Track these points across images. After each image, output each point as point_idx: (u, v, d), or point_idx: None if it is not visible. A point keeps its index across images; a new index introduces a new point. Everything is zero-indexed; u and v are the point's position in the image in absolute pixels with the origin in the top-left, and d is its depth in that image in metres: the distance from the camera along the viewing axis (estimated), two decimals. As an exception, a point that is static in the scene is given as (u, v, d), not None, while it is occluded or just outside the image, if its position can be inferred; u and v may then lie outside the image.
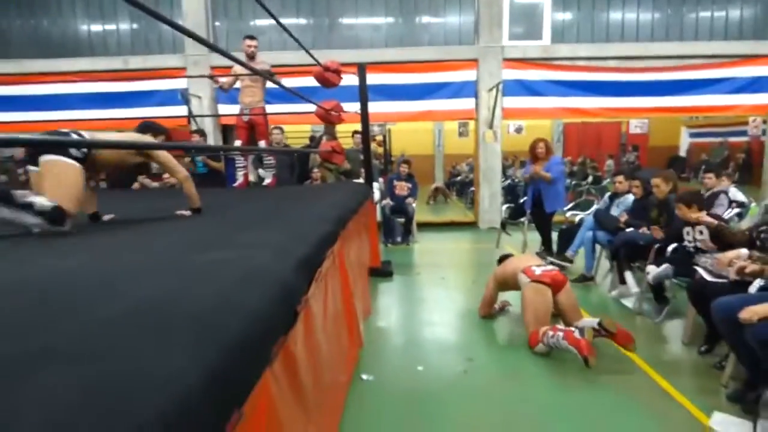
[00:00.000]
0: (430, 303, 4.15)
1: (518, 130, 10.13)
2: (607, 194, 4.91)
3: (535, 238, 5.56)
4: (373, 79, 7.76)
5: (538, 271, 3.25)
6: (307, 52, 4.35)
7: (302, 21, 8.08)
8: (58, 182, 2.08)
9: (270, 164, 5.47)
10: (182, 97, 7.61)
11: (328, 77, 4.80)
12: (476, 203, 8.23)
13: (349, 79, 6.37)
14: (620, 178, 4.66)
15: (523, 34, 7.68)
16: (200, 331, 0.92)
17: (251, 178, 5.94)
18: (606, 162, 13.91)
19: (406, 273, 5.16)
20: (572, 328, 2.90)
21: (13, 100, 7.95)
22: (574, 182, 10.61)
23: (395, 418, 2.32)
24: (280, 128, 6.50)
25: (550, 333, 2.89)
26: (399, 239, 6.74)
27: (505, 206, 6.86)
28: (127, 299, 1.05)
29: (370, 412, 2.37)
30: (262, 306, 1.17)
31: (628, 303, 3.94)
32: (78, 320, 0.93)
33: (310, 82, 5.35)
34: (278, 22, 3.35)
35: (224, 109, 7.98)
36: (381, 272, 4.91)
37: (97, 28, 8.26)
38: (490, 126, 7.64)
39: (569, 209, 6.36)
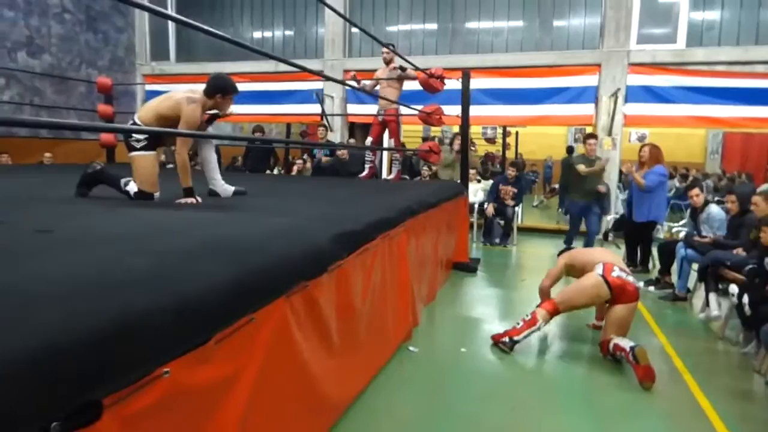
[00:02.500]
0: (496, 300, 4.41)
1: (641, 138, 9.44)
2: (688, 210, 4.63)
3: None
4: (491, 83, 8.03)
5: (615, 273, 3.07)
6: (409, 62, 4.82)
7: (428, 27, 8.58)
8: (136, 173, 2.85)
9: (396, 161, 5.98)
10: (317, 97, 8.66)
11: (432, 83, 5.24)
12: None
13: (471, 83, 6.72)
14: (696, 191, 4.45)
15: (654, 37, 7.25)
16: (235, 256, 1.49)
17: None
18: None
19: (491, 272, 5.41)
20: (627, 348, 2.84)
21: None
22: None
23: (422, 384, 2.74)
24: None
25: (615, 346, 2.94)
26: (497, 240, 6.92)
27: (609, 216, 6.63)
28: (204, 235, 1.67)
29: (404, 375, 2.81)
30: (288, 254, 1.72)
31: (715, 327, 3.77)
32: (172, 241, 1.56)
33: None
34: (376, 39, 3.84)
35: (353, 108, 8.88)
36: (465, 267, 5.24)
37: (257, 35, 9.70)
38: (609, 133, 7.38)
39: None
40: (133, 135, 2.78)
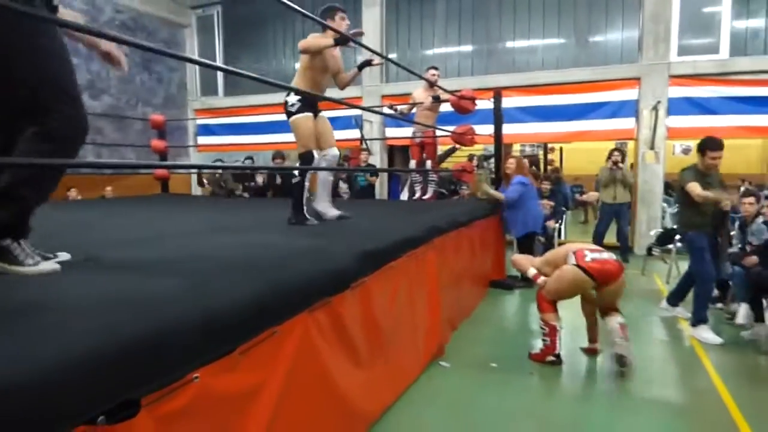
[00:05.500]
0: (531, 317, 4.35)
1: (686, 151, 9.10)
2: (737, 223, 4.38)
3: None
4: (528, 101, 8.06)
5: (588, 257, 3.06)
6: (439, 86, 4.96)
7: (464, 48, 8.72)
8: (296, 134, 3.20)
9: (431, 181, 6.06)
10: (355, 122, 8.95)
11: (463, 104, 5.34)
12: (633, 227, 7.76)
13: (507, 102, 6.78)
14: (750, 199, 4.16)
15: (695, 48, 7.07)
16: (258, 274, 1.65)
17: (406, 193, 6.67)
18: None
19: (529, 289, 5.36)
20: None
21: (240, 127, 10.27)
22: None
23: (450, 398, 2.78)
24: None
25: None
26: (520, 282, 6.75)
27: (653, 231, 6.42)
28: (233, 255, 1.85)
29: (433, 389, 2.87)
30: (309, 272, 1.86)
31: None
32: (202, 264, 1.74)
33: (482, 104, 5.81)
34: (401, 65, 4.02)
35: (390, 132, 9.10)
36: (502, 285, 5.23)
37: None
38: (651, 146, 7.21)
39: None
40: (288, 101, 3.18)
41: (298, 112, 3.18)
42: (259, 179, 7.62)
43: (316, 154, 3.23)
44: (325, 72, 3.36)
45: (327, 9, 3.28)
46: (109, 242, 2.40)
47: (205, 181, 7.92)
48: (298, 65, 3.33)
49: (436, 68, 5.66)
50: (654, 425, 2.51)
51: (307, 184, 3.27)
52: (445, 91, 5.30)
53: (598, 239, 6.63)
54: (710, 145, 3.74)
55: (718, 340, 3.61)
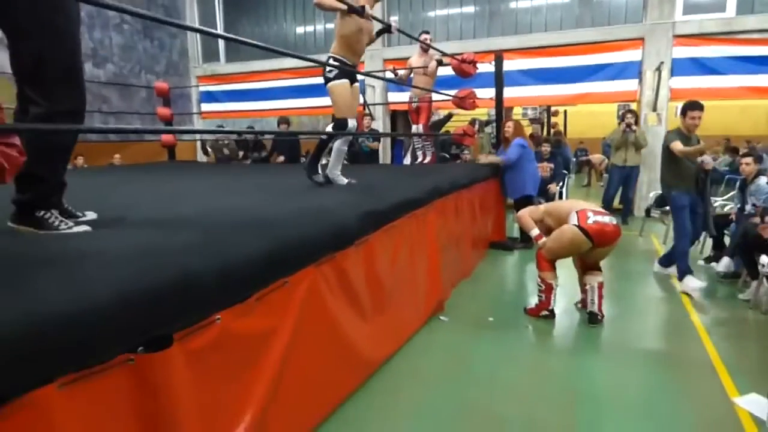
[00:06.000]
0: (529, 275, 4.53)
1: (689, 111, 9.02)
2: (737, 183, 4.47)
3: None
4: (530, 63, 8.02)
5: (591, 219, 3.13)
6: (436, 48, 4.98)
7: (466, 10, 8.62)
8: (333, 100, 3.17)
9: (427, 144, 6.18)
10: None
11: (464, 68, 5.38)
12: (634, 189, 7.85)
13: (509, 65, 6.78)
14: (748, 159, 4.27)
15: (701, 6, 6.97)
16: (268, 231, 1.81)
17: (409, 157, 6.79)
18: None
19: (529, 249, 5.53)
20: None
21: (243, 93, 10.27)
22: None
23: (448, 347, 3.00)
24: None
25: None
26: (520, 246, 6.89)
27: (653, 193, 6.52)
28: (246, 214, 2.00)
29: (433, 340, 3.08)
30: (315, 229, 2.02)
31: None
32: (221, 219, 1.90)
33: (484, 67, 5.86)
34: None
35: (393, 97, 9.10)
36: (502, 245, 5.41)
37: (300, 30, 10.07)
38: (654, 108, 7.21)
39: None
40: (326, 68, 3.18)
41: (335, 78, 3.17)
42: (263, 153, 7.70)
43: (351, 122, 3.25)
44: (360, 33, 3.24)
45: None
46: (129, 204, 2.56)
47: (208, 148, 8.04)
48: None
49: (427, 32, 5.67)
50: (638, 374, 2.68)
51: (333, 149, 3.35)
52: (444, 54, 5.32)
53: (607, 204, 6.75)
54: (690, 105, 4.05)
55: (701, 284, 3.89)
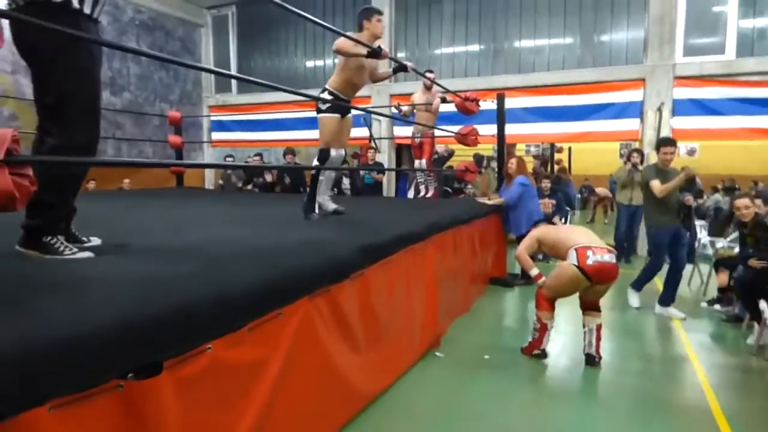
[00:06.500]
0: (529, 313, 4.51)
1: (691, 152, 9.15)
2: (736, 224, 4.42)
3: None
4: (533, 101, 8.18)
5: (591, 259, 3.09)
6: (440, 85, 5.14)
7: (470, 48, 8.86)
8: (320, 130, 3.36)
9: (429, 179, 6.28)
10: (365, 121, 9.14)
11: (467, 106, 5.49)
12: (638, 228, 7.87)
13: (512, 102, 6.94)
14: (744, 201, 3.93)
15: (701, 48, 7.14)
16: (267, 262, 1.86)
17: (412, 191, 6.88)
18: None
19: (529, 286, 5.52)
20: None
21: (252, 123, 10.52)
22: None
23: (442, 384, 2.99)
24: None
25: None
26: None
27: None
28: (245, 244, 2.06)
29: (427, 376, 3.07)
30: (312, 261, 2.07)
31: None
32: (219, 250, 1.96)
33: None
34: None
35: (398, 131, 9.28)
36: (502, 282, 5.41)
37: (310, 64, 10.37)
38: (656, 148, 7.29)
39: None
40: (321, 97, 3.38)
41: (326, 111, 3.39)
42: (268, 177, 7.86)
43: (333, 152, 3.43)
44: (362, 70, 3.46)
45: (364, 10, 3.45)
46: (134, 231, 2.64)
47: (221, 182, 8.30)
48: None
49: (431, 71, 5.87)
50: (634, 422, 2.61)
51: (322, 179, 3.47)
52: (447, 91, 5.47)
53: (619, 243, 6.85)
54: (662, 141, 4.55)
55: (637, 303, 4.60)
